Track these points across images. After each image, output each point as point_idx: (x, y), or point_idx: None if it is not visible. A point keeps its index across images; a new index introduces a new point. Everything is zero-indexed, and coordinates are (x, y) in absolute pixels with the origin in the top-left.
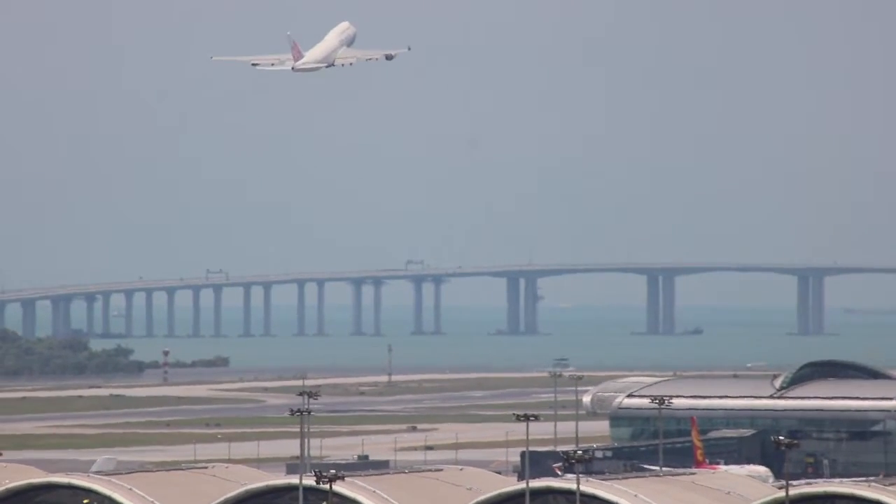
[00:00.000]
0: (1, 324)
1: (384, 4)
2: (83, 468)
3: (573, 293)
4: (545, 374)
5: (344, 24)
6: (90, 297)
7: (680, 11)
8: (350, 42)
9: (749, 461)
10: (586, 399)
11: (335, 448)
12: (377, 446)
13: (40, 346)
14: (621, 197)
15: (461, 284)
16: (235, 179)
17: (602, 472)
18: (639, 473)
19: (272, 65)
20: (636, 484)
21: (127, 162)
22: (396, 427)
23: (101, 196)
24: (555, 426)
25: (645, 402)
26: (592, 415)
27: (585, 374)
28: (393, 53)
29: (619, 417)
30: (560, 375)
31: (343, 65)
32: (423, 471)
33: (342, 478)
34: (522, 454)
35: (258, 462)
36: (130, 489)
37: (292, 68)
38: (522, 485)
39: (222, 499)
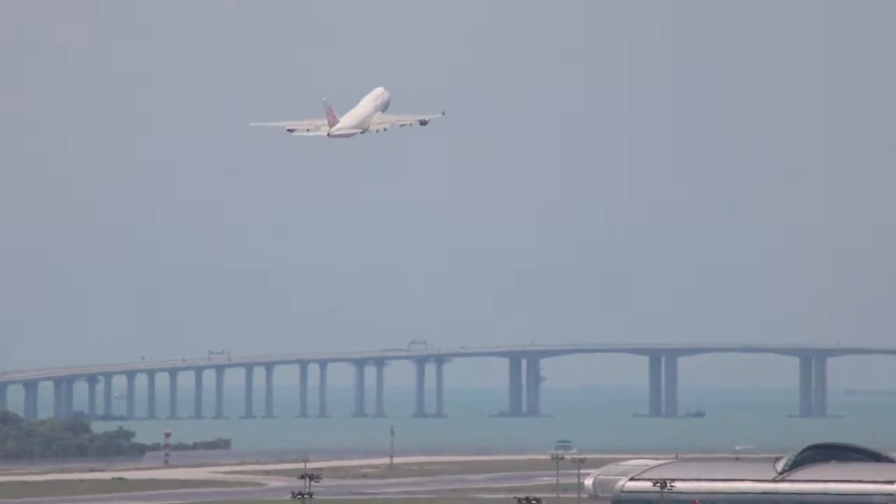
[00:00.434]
0: (2, 406)
1: (418, 69)
2: None
3: (576, 374)
4: (547, 457)
5: (379, 90)
6: (92, 378)
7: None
8: (385, 108)
9: None
10: (588, 482)
11: None
12: None
13: (42, 429)
14: (623, 277)
15: (464, 365)
16: (232, 257)
17: None
18: None
19: (307, 130)
20: None
21: (128, 241)
22: None
23: (103, 276)
24: None
25: (647, 485)
26: (594, 498)
27: (588, 456)
28: (427, 119)
29: (621, 501)
30: (562, 458)
31: (377, 130)
32: None
33: None
34: None
35: None
36: None
37: (328, 134)
38: None
39: None
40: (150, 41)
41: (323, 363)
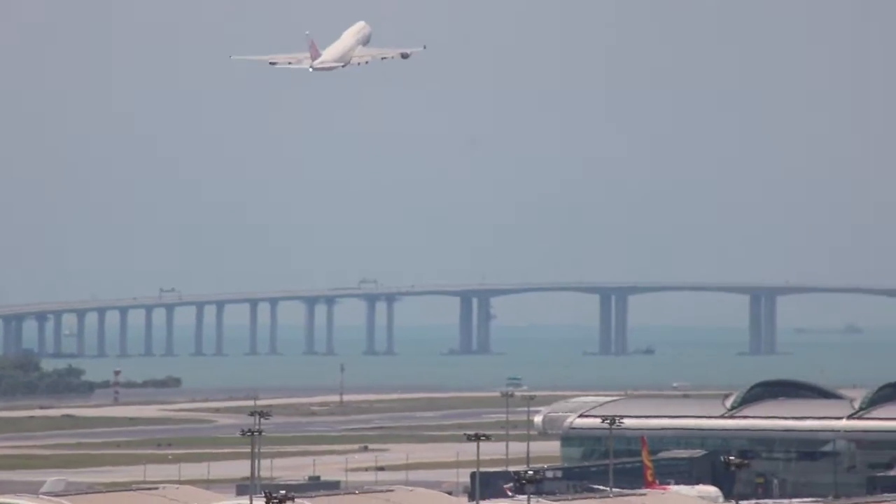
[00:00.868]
0: None
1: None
2: (33, 489)
3: (526, 312)
4: (497, 394)
5: (360, 24)
6: (41, 317)
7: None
8: (366, 41)
9: (699, 481)
10: (538, 419)
11: (286, 469)
12: (328, 467)
13: None
14: (574, 216)
15: (414, 303)
16: (192, 183)
17: (553, 493)
18: (589, 494)
19: (290, 64)
20: None
21: (77, 179)
22: (347, 447)
23: (52, 215)
24: (506, 446)
25: (596, 421)
26: (544, 435)
27: (538, 393)
28: (409, 52)
29: (569, 437)
30: (512, 395)
31: (359, 63)
32: (374, 491)
33: (292, 499)
34: (473, 475)
35: (208, 483)
36: None
37: (310, 67)
38: None
39: None
40: None
41: (273, 301)
